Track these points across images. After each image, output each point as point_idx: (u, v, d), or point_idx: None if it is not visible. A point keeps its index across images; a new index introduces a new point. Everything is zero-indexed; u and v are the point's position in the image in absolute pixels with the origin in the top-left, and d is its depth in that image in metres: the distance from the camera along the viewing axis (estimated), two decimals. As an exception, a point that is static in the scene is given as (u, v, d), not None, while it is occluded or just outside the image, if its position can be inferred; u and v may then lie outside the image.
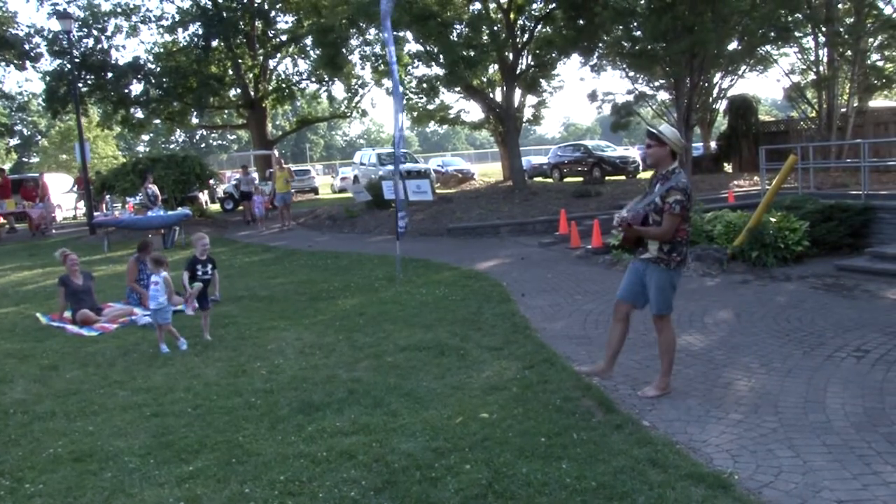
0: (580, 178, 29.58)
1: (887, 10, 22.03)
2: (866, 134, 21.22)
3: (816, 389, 5.67)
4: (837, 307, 8.45)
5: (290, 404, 5.77)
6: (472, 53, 20.70)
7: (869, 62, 23.24)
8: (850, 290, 9.32)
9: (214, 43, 30.00)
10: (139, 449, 5.02)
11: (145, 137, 64.73)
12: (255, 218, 22.59)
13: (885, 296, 8.92)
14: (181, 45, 31.61)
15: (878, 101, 24.88)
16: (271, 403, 5.83)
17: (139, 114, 31.57)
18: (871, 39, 22.98)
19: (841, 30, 22.07)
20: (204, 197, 27.67)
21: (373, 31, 26.29)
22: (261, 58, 32.80)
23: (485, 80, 26.76)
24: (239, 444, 5.03)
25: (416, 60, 26.84)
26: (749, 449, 4.66)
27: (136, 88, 30.57)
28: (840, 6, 22.73)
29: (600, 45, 24.57)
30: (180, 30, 30.73)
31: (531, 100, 30.39)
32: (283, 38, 33.44)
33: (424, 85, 26.67)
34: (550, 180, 32.10)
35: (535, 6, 24.06)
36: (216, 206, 30.54)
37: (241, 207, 26.00)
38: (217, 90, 30.70)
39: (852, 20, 22.19)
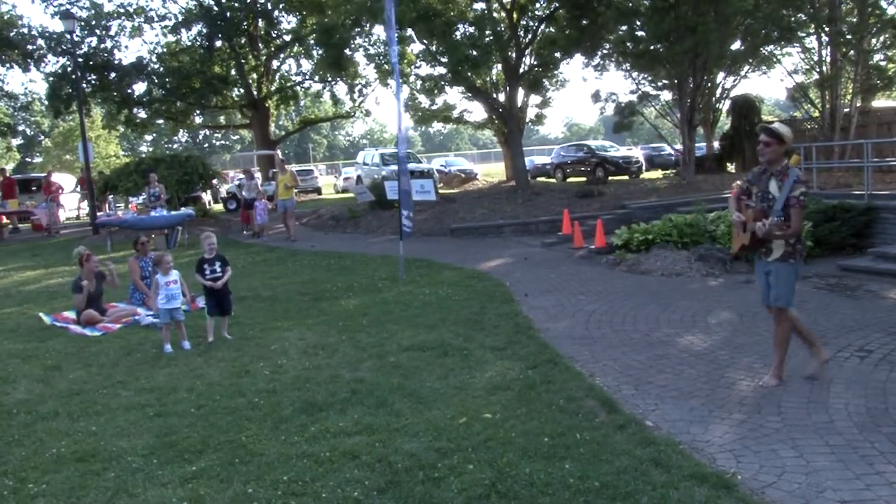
0: (583, 179, 29.59)
1: (890, 11, 22.00)
2: (869, 134, 21.17)
3: (819, 389, 5.66)
4: (840, 307, 8.44)
5: (294, 404, 5.78)
6: (475, 53, 20.68)
7: (872, 62, 23.19)
8: (853, 290, 9.31)
9: (218, 43, 30.02)
10: (142, 449, 5.03)
11: (148, 137, 64.86)
12: (257, 228, 19.97)
13: (888, 296, 8.91)
14: (184, 45, 31.65)
15: (881, 101, 24.84)
16: (274, 403, 5.84)
17: (142, 114, 31.60)
18: (873, 39, 22.94)
19: (844, 29, 22.02)
20: (207, 197, 27.70)
21: (377, 29, 26.33)
22: (264, 58, 32.81)
23: (488, 80, 26.75)
24: (242, 444, 5.04)
25: (419, 59, 26.87)
26: (752, 449, 4.66)
27: (140, 88, 30.67)
28: (843, 6, 22.68)
29: (603, 44, 24.57)
30: (184, 30, 30.76)
31: (534, 100, 30.38)
32: (287, 37, 33.46)
33: (427, 84, 26.68)
34: (553, 180, 32.11)
35: (538, 6, 24.06)
36: (219, 207, 30.57)
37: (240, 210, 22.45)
38: (220, 90, 30.70)
39: (855, 20, 22.15)
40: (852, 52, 21.93)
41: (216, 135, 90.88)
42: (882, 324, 7.55)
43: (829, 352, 6.58)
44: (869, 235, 12.14)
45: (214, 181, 26.21)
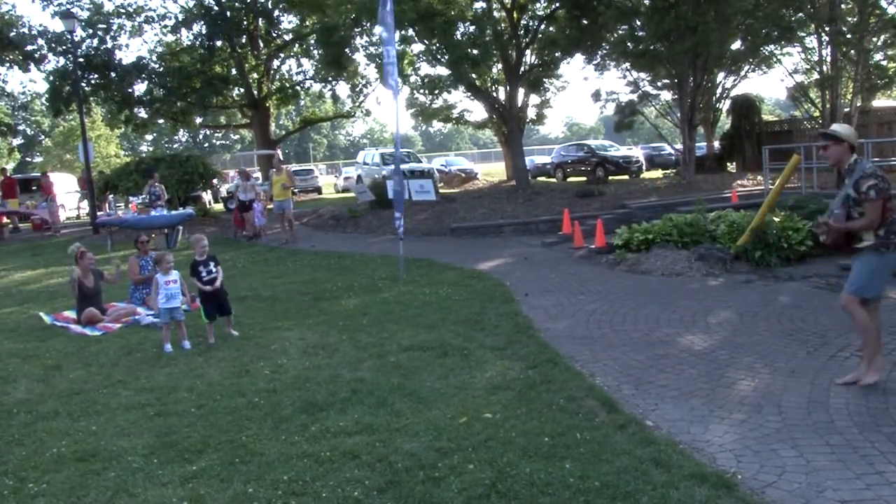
0: (583, 178, 29.61)
1: (890, 10, 21.99)
2: (869, 133, 21.19)
3: (820, 389, 5.66)
4: (841, 307, 8.43)
5: (294, 404, 5.78)
6: (475, 52, 20.69)
7: (872, 62, 23.20)
8: (853, 289, 9.29)
9: (218, 43, 30.04)
10: (142, 449, 5.03)
11: (148, 137, 64.91)
12: (253, 230, 19.06)
13: (888, 295, 8.89)
14: (185, 44, 31.68)
15: (881, 101, 24.85)
16: (275, 403, 5.84)
17: (143, 113, 31.65)
18: (874, 39, 22.93)
19: (844, 29, 22.02)
20: (207, 196, 27.70)
21: (377, 29, 26.32)
22: (264, 57, 32.83)
23: (488, 79, 26.76)
24: (242, 443, 5.04)
25: (419, 59, 26.87)
26: (752, 449, 4.66)
27: (140, 88, 30.72)
28: (843, 6, 22.68)
29: (604, 44, 24.60)
30: (184, 29, 30.80)
31: (534, 99, 30.44)
32: (287, 37, 33.49)
33: (427, 84, 26.70)
34: (554, 180, 32.16)
35: (538, 6, 24.08)
36: (219, 206, 30.56)
37: (239, 213, 19.92)
38: (220, 90, 30.72)
39: (855, 19, 22.15)
40: (852, 51, 21.93)
41: (216, 134, 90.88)
42: (883, 323, 7.53)
43: (829, 351, 6.62)
44: (869, 235, 12.12)
45: (215, 181, 26.20)
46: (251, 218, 19.17)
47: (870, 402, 5.35)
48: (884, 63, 23.75)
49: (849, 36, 21.69)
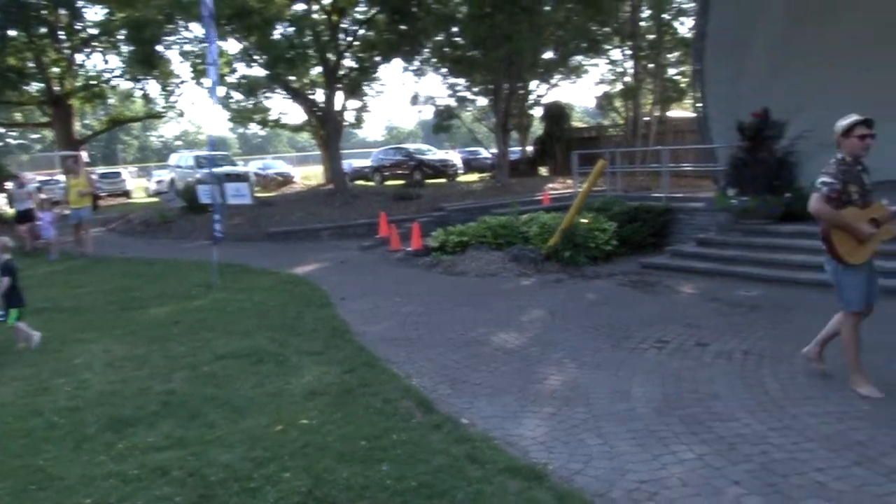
0: (402, 181, 29.88)
1: (682, 30, 23.83)
2: (667, 141, 22.74)
3: (623, 380, 6.01)
4: (642, 302, 9.01)
5: (98, 421, 5.42)
6: (293, 53, 20.37)
7: (666, 76, 25.00)
8: (652, 286, 9.96)
9: (13, 32, 27.73)
10: (-81, 479, 4.55)
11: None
12: (41, 244, 15.88)
13: (682, 290, 9.62)
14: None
15: (676, 112, 26.82)
16: (76, 422, 5.45)
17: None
18: (668, 55, 24.74)
19: (644, 45, 23.63)
20: (2, 200, 25.56)
21: (192, 26, 25.32)
22: (67, 51, 30.68)
23: (307, 81, 26.42)
24: (39, 467, 4.66)
25: (236, 59, 26.11)
26: (562, 440, 4.88)
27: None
28: (642, 24, 24.31)
29: (422, 49, 24.98)
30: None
31: (353, 103, 30.33)
32: (94, 31, 31.46)
33: (243, 81, 26.00)
34: (372, 183, 32.22)
35: (358, 10, 24.05)
36: (14, 211, 28.30)
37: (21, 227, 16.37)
38: (16, 84, 28.35)
39: (653, 37, 23.81)
40: (651, 65, 23.57)
41: (12, 133, 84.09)
42: (677, 316, 8.13)
43: (631, 344, 7.05)
44: (666, 235, 13.05)
45: (9, 184, 24.21)
46: (34, 230, 16.08)
47: (666, 388, 5.74)
48: (676, 77, 25.65)
49: (648, 51, 23.31)
